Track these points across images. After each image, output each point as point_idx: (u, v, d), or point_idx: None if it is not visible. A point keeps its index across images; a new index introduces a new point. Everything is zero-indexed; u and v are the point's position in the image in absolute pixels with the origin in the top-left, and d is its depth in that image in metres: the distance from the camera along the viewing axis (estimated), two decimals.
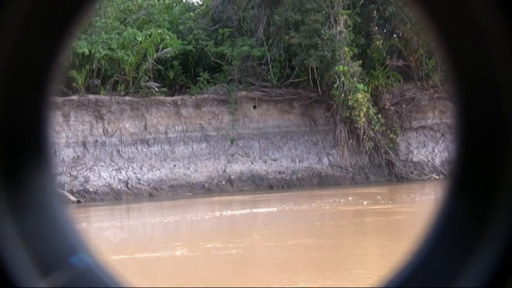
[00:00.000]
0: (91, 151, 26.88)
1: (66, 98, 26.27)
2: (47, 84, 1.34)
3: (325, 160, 28.75)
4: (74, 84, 26.59)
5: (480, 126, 1.27)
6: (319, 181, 28.21)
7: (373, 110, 28.03)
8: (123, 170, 26.91)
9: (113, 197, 26.03)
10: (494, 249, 1.23)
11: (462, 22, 1.24)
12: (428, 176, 27.97)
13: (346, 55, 27.70)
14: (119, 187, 26.47)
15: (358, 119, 27.47)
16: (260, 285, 9.34)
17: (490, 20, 1.20)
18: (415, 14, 1.29)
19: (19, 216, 1.31)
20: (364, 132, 27.85)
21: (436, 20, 1.28)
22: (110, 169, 26.82)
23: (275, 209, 20.30)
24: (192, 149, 28.09)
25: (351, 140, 28.26)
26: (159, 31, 27.95)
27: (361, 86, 27.68)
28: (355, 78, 27.73)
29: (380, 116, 28.32)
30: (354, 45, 28.53)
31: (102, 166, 26.76)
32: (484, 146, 1.27)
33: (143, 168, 27.21)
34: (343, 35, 27.76)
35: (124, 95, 27.85)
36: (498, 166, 1.25)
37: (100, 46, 26.80)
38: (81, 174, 26.34)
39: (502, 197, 1.24)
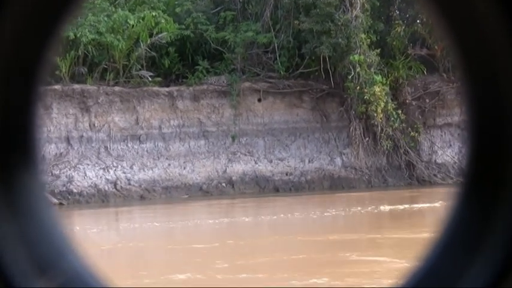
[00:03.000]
0: (75, 147, 26.84)
1: (48, 88, 26.03)
2: (36, 78, 1.42)
3: (338, 160, 28.64)
4: (57, 72, 26.36)
5: (487, 127, 1.39)
6: (330, 184, 28.24)
7: (392, 104, 27.92)
8: (111, 169, 26.94)
9: (100, 199, 26.11)
10: (499, 250, 1.36)
11: (467, 21, 1.36)
12: (454, 180, 27.70)
13: (363, 43, 27.63)
14: (106, 188, 26.53)
15: (375, 114, 27.38)
16: None
17: (492, 20, 1.31)
18: (427, 11, 1.43)
19: (7, 217, 1.40)
20: (382, 130, 27.78)
21: (446, 18, 1.39)
22: (97, 168, 26.84)
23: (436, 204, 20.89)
24: (189, 146, 28.03)
25: (367, 139, 28.17)
26: (154, 14, 27.79)
27: (379, 77, 27.52)
28: (372, 69, 27.60)
29: (400, 111, 28.08)
30: (372, 31, 28.45)
31: (87, 164, 26.78)
32: (491, 147, 1.38)
33: (134, 167, 27.20)
34: (360, 20, 27.65)
35: (113, 85, 27.63)
36: (504, 167, 1.36)
37: (87, 30, 26.67)
38: (64, 173, 26.37)
39: (509, 199, 1.36)
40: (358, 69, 27.57)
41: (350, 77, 27.73)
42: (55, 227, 1.51)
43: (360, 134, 28.26)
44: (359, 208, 21.48)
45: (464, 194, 1.45)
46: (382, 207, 21.42)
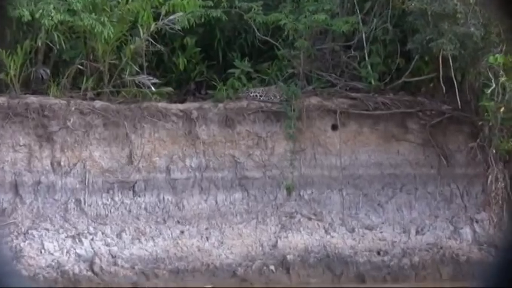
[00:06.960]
0: (27, 201, 24.06)
1: None
2: None
3: (467, 232, 24.79)
4: (2, 76, 24.17)
5: None
6: (454, 271, 23.93)
7: None
8: (85, 238, 23.98)
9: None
10: None
11: None
12: None
13: None
14: (77, 270, 23.31)
15: None
16: None
17: None
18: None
19: None
20: None
21: None
22: (62, 236, 23.90)
23: None
24: (216, 202, 24.71)
25: None
26: None
27: None
28: None
29: None
30: None
31: (47, 230, 23.88)
32: None
33: (123, 235, 24.06)
34: None
35: (93, 98, 24.62)
36: None
37: (52, 6, 23.63)
38: (7, 243, 24.30)
39: None
40: (501, 79, 23.77)
41: (488, 91, 23.91)
42: None
43: (504, 187, 24.81)
44: None
45: None
46: None
